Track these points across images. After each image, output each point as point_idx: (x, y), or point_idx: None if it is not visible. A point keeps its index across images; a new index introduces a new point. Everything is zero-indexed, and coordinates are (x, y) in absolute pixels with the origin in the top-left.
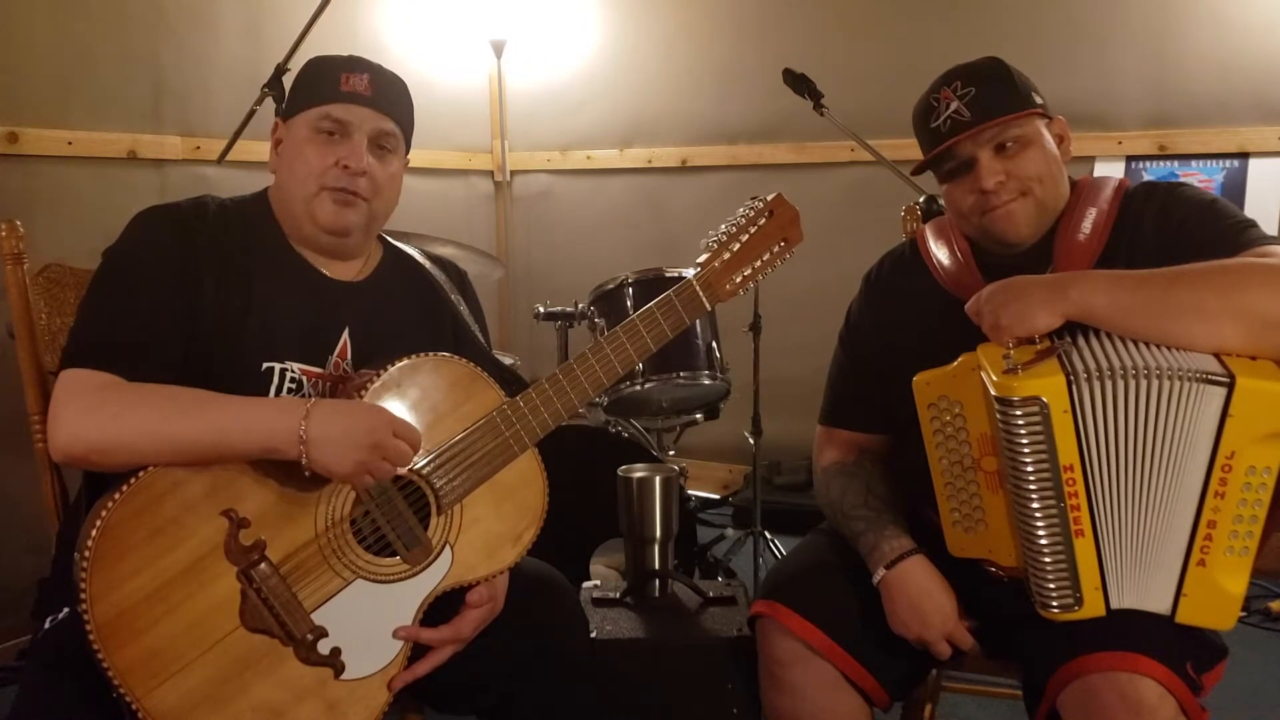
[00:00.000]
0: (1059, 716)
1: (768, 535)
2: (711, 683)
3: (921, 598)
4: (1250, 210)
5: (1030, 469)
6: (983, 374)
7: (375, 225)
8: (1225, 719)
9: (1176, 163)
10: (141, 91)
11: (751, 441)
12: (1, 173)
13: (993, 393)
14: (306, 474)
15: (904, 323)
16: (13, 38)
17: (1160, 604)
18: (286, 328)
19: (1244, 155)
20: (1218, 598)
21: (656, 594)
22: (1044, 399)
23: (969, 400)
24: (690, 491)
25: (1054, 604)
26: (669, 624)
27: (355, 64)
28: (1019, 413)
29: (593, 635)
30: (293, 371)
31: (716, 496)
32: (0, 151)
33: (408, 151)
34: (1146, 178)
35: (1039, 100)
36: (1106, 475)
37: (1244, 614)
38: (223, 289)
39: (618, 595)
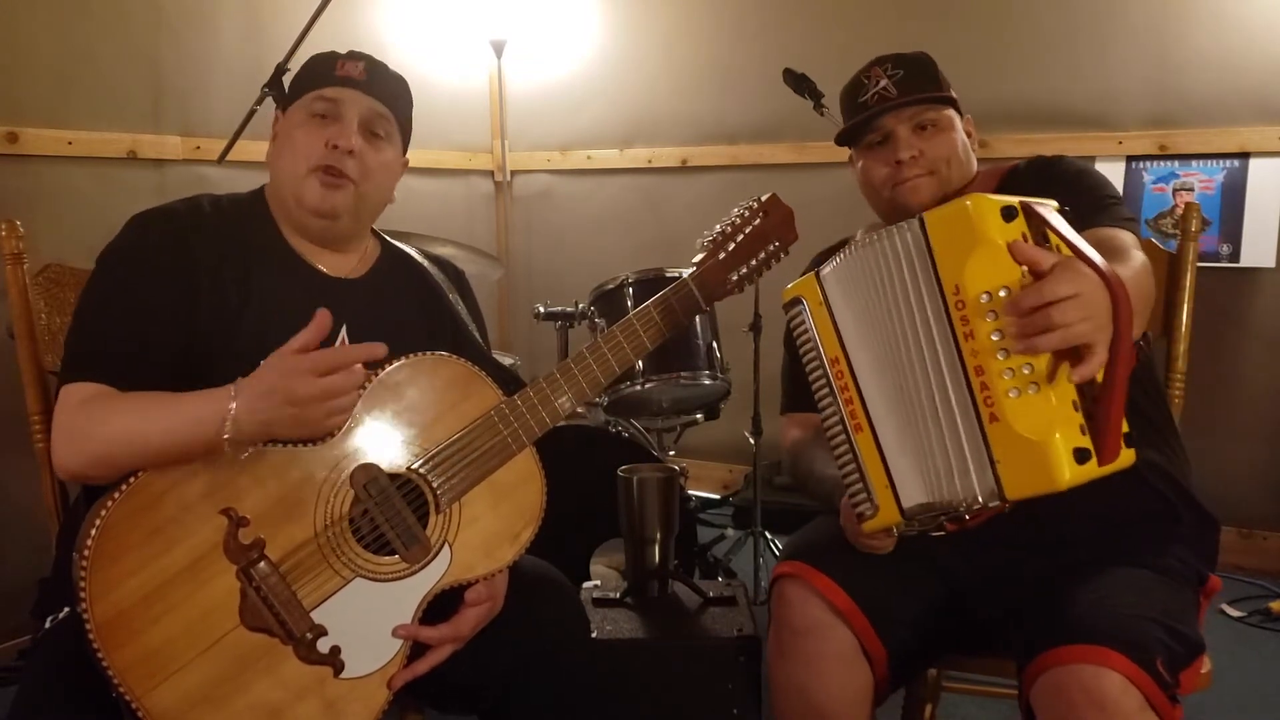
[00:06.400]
0: None
1: (768, 535)
2: (711, 683)
3: (844, 522)
4: (1250, 210)
5: (808, 370)
6: None
7: (365, 212)
8: (1225, 719)
9: (1177, 162)
10: (141, 91)
11: (752, 441)
12: (1, 173)
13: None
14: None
15: None
16: (13, 38)
17: (980, 487)
18: (283, 324)
19: (1244, 155)
20: (1029, 452)
21: (656, 594)
22: (801, 295)
23: None
24: (690, 491)
25: (864, 511)
26: (669, 624)
27: (353, 54)
28: (788, 316)
29: (593, 635)
30: None
31: (716, 496)
32: (0, 151)
33: (406, 148)
34: (1147, 178)
35: (954, 95)
36: (868, 361)
37: (1244, 614)
38: (219, 287)
39: (618, 595)
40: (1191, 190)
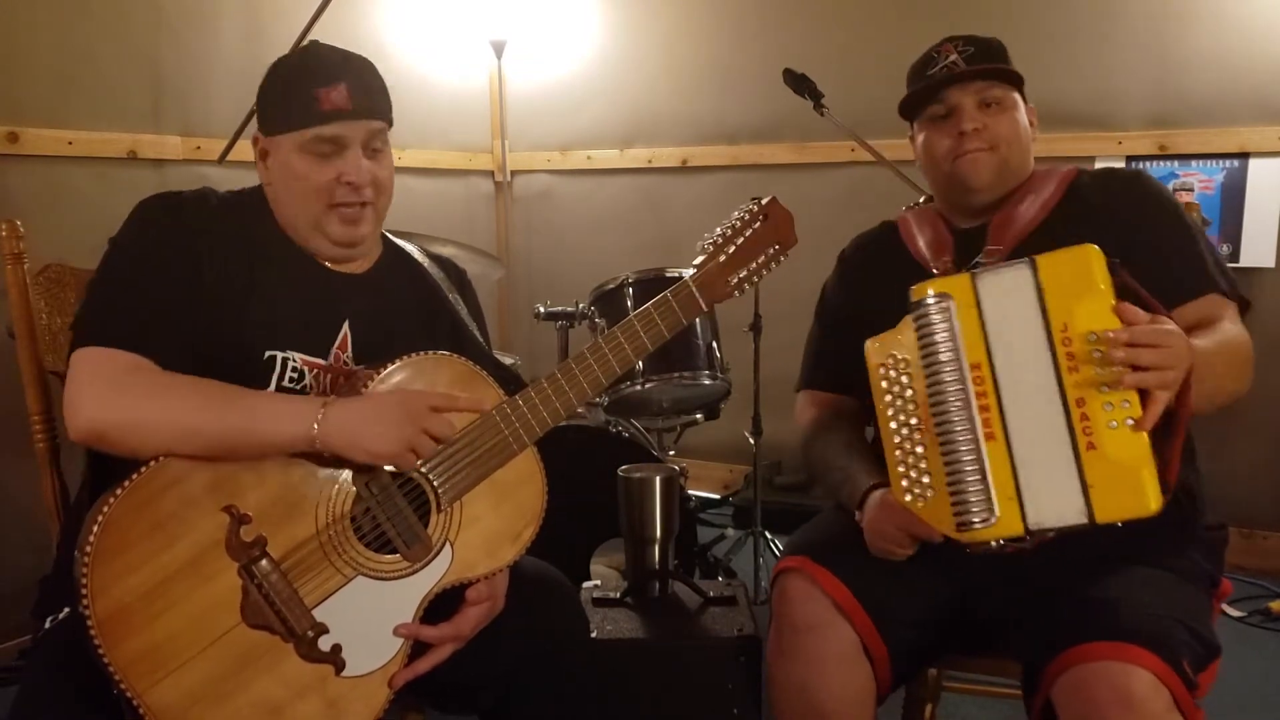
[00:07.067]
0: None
1: (768, 535)
2: (711, 683)
3: (878, 524)
4: (1250, 210)
5: (946, 373)
6: None
7: (381, 221)
8: (1225, 719)
9: (1177, 163)
10: (141, 91)
11: (752, 441)
12: (1, 173)
13: (912, 299)
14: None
15: (874, 292)
16: (13, 38)
17: (1074, 508)
18: (287, 317)
19: (1244, 155)
20: (1124, 477)
21: (656, 594)
22: (950, 293)
23: (915, 357)
24: (690, 491)
25: (975, 519)
26: (669, 624)
27: (328, 75)
28: (926, 312)
29: (593, 635)
30: (294, 361)
31: (716, 496)
32: (0, 151)
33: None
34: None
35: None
36: (1011, 372)
37: (1244, 614)
38: (224, 278)
39: (618, 595)
40: (1191, 190)
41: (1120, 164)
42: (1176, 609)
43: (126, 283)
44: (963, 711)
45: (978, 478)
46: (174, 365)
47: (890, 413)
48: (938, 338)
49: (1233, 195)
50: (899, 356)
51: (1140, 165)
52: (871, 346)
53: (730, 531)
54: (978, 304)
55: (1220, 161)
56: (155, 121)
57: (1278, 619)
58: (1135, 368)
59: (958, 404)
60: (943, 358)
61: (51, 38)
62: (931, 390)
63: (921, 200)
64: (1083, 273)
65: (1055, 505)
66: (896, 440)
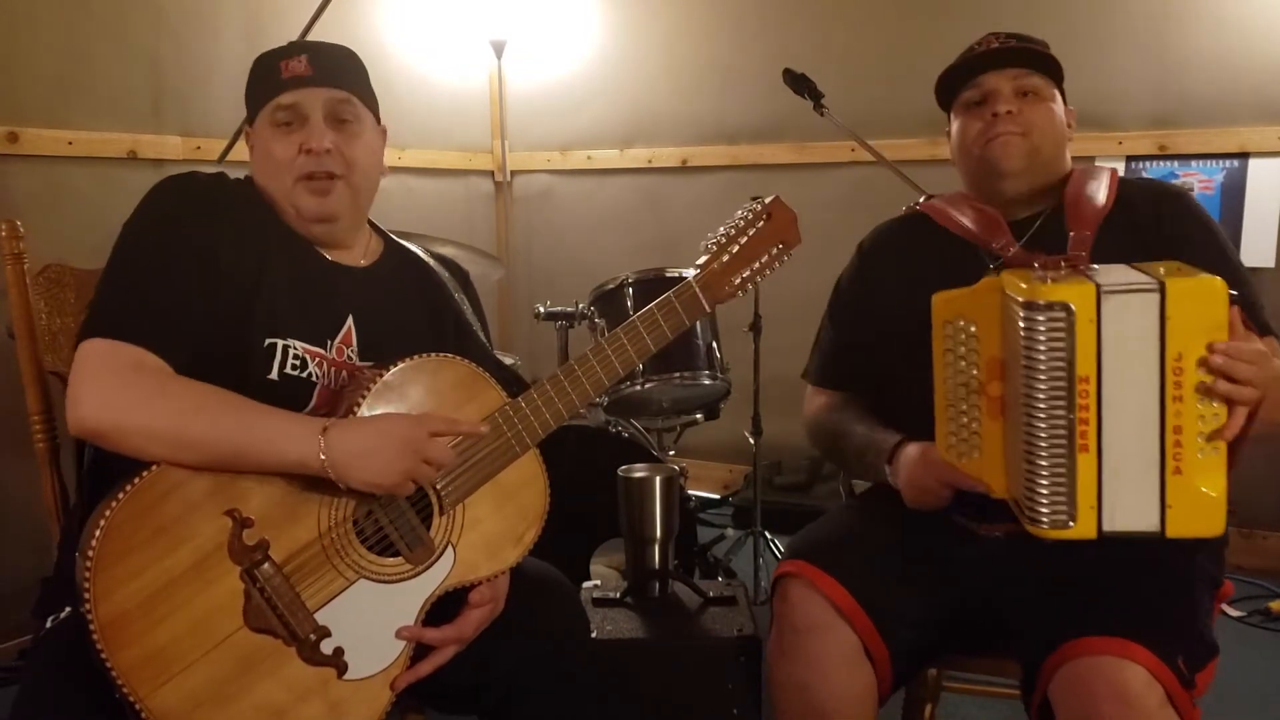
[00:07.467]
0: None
1: (768, 535)
2: (711, 683)
3: (917, 477)
4: (1250, 210)
5: (1045, 377)
6: (1005, 293)
7: (361, 203)
8: (1225, 719)
9: (1176, 163)
10: (141, 91)
11: (751, 441)
12: (1, 173)
13: (1020, 299)
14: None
15: (905, 277)
16: (13, 38)
17: (1149, 521)
18: (288, 305)
19: (1244, 155)
20: (1201, 504)
21: (656, 594)
22: (1072, 305)
23: (984, 321)
24: (690, 491)
25: (1044, 519)
26: (669, 624)
27: (292, 49)
28: (1042, 317)
29: (593, 635)
30: (295, 349)
31: (716, 496)
32: (0, 151)
33: (378, 116)
34: (1147, 177)
35: (1062, 73)
36: (1118, 390)
37: (1244, 613)
38: (237, 265)
39: (618, 595)
40: (1191, 190)
41: (1120, 164)
42: (1176, 607)
43: (139, 274)
44: (963, 711)
45: (1062, 484)
46: (181, 358)
47: (947, 373)
48: (1048, 344)
49: (1232, 195)
50: (968, 318)
51: (1140, 165)
52: (940, 301)
53: (730, 531)
54: (1098, 320)
55: (1220, 161)
56: (155, 121)
57: (1278, 619)
58: (1230, 379)
59: (1057, 412)
60: (1047, 365)
61: (51, 38)
62: (1027, 391)
63: (923, 199)
64: (1207, 307)
65: (1131, 516)
66: (949, 399)
